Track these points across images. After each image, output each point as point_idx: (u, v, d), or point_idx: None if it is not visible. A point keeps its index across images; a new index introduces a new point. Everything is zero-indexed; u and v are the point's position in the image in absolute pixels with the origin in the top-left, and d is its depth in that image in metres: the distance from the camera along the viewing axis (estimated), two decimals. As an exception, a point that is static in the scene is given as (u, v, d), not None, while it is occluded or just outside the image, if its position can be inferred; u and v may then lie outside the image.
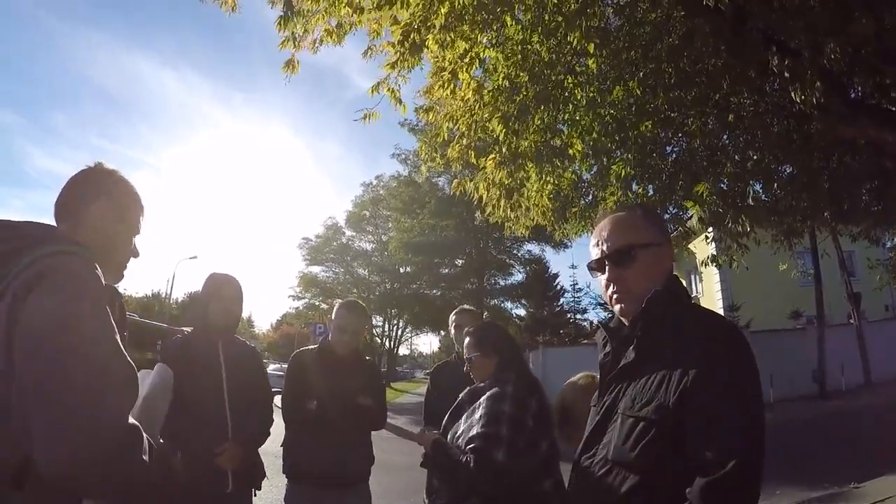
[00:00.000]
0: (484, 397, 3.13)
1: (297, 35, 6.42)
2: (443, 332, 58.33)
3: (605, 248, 2.05)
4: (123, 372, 1.66)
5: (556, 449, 3.15)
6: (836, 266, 21.31)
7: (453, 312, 4.89)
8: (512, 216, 9.31)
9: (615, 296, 2.01)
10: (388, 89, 6.86)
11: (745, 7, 5.51)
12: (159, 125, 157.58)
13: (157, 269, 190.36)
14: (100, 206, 1.97)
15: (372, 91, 6.91)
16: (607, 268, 2.03)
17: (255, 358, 4.34)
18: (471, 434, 2.98)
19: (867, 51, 5.59)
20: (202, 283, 4.07)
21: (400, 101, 6.94)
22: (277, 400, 5.22)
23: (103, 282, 1.75)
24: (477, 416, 3.07)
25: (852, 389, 20.53)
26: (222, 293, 3.99)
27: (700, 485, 1.58)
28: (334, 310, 4.56)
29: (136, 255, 2.15)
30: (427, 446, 3.20)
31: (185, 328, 4.22)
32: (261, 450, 3.99)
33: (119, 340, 1.69)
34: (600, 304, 42.07)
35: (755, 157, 7.97)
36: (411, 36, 6.30)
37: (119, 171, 2.10)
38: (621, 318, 2.05)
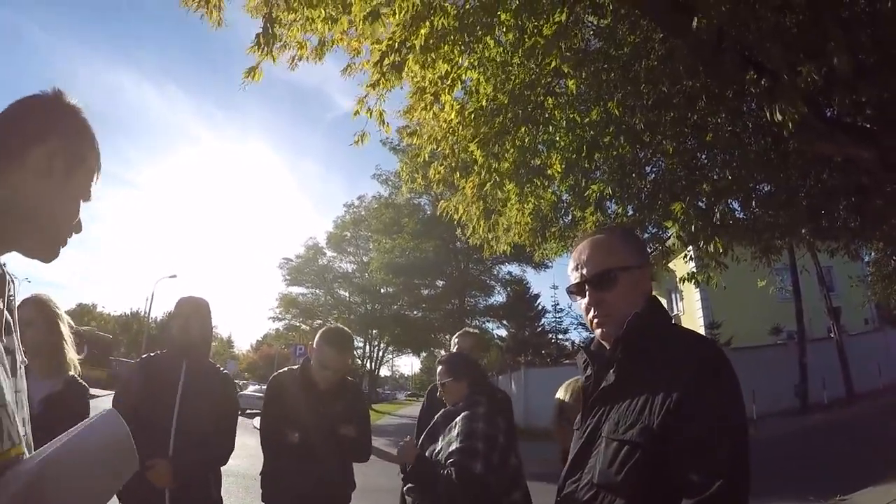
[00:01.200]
0: (459, 417, 3.40)
1: (272, 47, 6.38)
2: (424, 354, 58.23)
3: (584, 271, 2.04)
4: None
5: (521, 463, 3.53)
6: (814, 281, 21.51)
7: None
8: (490, 237, 9.32)
9: (596, 320, 2.00)
10: (368, 110, 6.87)
11: (723, 29, 5.58)
12: (140, 141, 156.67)
13: (136, 288, 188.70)
14: (39, 155, 1.39)
15: (354, 113, 6.92)
16: (587, 292, 2.02)
17: (225, 384, 4.24)
18: (450, 450, 3.25)
19: (841, 70, 5.67)
20: (176, 304, 4.09)
21: (384, 122, 6.96)
22: (258, 422, 5.15)
23: None
24: (454, 433, 3.33)
25: (834, 403, 20.67)
26: (191, 316, 3.99)
27: None
28: (316, 339, 4.29)
29: (77, 229, 1.51)
30: (409, 460, 3.36)
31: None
32: (237, 474, 3.94)
33: None
34: (581, 325, 42.28)
35: (733, 176, 8.04)
36: (391, 56, 6.33)
37: (81, 111, 1.53)
38: (602, 341, 2.04)
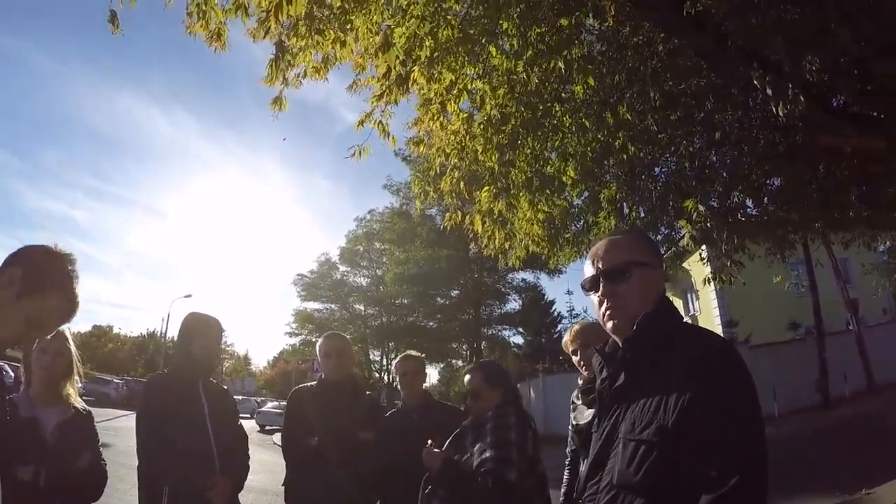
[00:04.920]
0: (489, 426, 3.43)
1: (286, 75, 6.48)
2: (441, 364, 58.18)
3: (600, 265, 2.06)
4: None
5: (545, 471, 3.55)
6: (830, 274, 21.37)
7: (398, 359, 4.92)
8: (507, 246, 9.32)
9: (608, 311, 2.02)
10: (376, 122, 6.91)
11: (724, 24, 5.60)
12: (150, 164, 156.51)
13: (152, 309, 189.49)
14: (8, 274, 1.93)
15: (358, 125, 6.95)
16: (601, 285, 2.04)
17: (231, 399, 4.34)
18: (483, 457, 3.28)
19: (846, 60, 5.68)
20: (181, 322, 4.07)
21: (388, 134, 6.99)
22: (277, 438, 5.18)
23: None
24: (487, 441, 3.34)
25: (855, 396, 20.46)
26: (205, 332, 4.00)
27: (705, 501, 1.59)
28: (317, 348, 4.63)
29: (25, 346, 2.11)
30: (434, 465, 3.41)
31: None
32: (257, 490, 3.99)
33: None
34: (597, 329, 41.99)
35: (743, 172, 8.03)
36: (396, 68, 6.38)
37: (57, 258, 2.07)
38: (616, 341, 2.06)
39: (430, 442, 3.60)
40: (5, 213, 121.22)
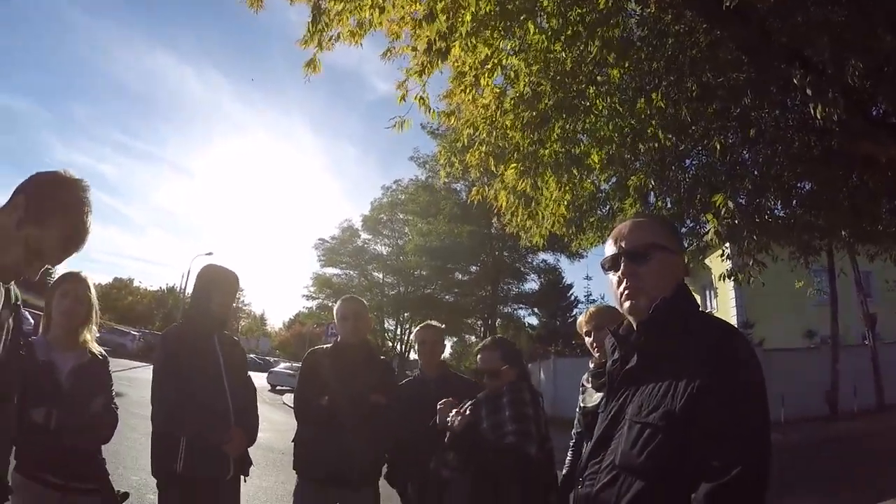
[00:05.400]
0: (506, 400, 3.53)
1: (322, 37, 6.46)
2: (454, 339, 58.41)
3: (622, 244, 2.05)
4: None
5: (552, 449, 3.65)
6: (852, 286, 21.10)
7: (418, 328, 4.93)
8: (530, 224, 9.28)
9: (626, 291, 2.00)
10: (416, 97, 6.91)
11: (768, 20, 5.50)
12: (178, 122, 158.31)
13: (174, 264, 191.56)
14: (14, 201, 1.89)
15: (400, 99, 6.99)
16: (622, 264, 2.03)
17: (243, 352, 4.37)
18: (505, 430, 3.39)
19: (890, 69, 5.56)
20: (198, 275, 4.07)
21: (429, 109, 6.99)
22: (289, 398, 5.23)
23: None
24: (506, 415, 3.45)
25: (864, 411, 20.26)
26: (221, 284, 4.00)
27: (705, 490, 1.59)
28: (334, 311, 4.65)
29: (29, 275, 1.94)
30: (460, 427, 3.46)
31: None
32: (264, 447, 4.02)
33: None
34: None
35: (775, 172, 7.92)
36: (437, 43, 6.34)
37: (64, 184, 1.98)
38: (631, 324, 2.06)
39: (448, 400, 3.67)
40: (34, 164, 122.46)
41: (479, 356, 3.87)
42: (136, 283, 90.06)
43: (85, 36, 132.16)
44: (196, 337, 3.85)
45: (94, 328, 3.68)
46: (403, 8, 6.58)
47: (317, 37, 6.43)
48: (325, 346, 4.75)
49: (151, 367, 3.90)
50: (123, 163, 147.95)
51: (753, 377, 1.74)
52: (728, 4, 5.04)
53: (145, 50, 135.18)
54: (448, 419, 3.54)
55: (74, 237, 1.97)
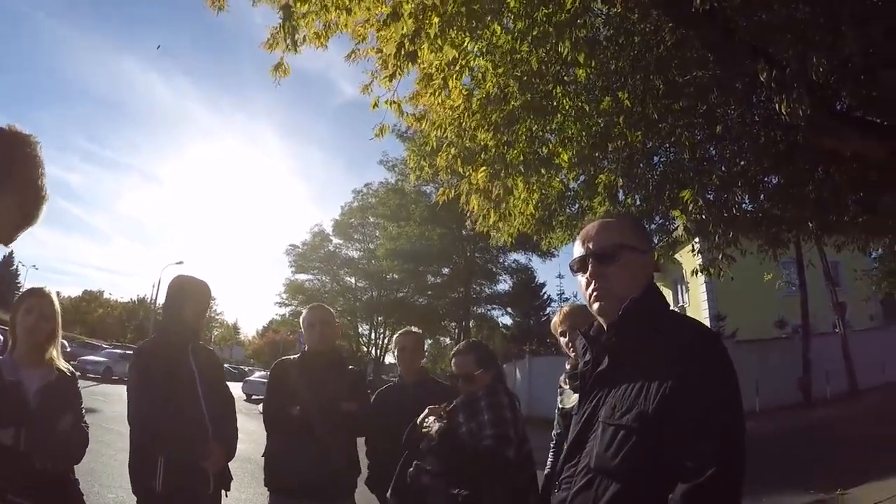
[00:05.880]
0: (483, 405, 3.50)
1: (293, 39, 6.40)
2: (429, 341, 58.39)
3: (590, 245, 2.04)
4: None
5: (531, 450, 3.65)
6: (820, 276, 21.44)
7: (398, 334, 4.91)
8: (501, 225, 9.29)
9: (595, 293, 1.99)
10: (388, 102, 6.90)
11: (734, 18, 5.54)
12: (146, 128, 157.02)
13: (143, 274, 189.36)
14: None
15: (373, 105, 7.03)
16: (590, 265, 2.02)
17: (219, 362, 4.34)
18: (483, 433, 3.37)
19: (853, 64, 5.63)
20: (168, 285, 4.03)
21: (402, 113, 6.97)
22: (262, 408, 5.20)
23: None
24: (484, 419, 3.43)
25: (837, 397, 20.62)
26: (192, 294, 3.96)
27: (681, 491, 1.59)
28: (301, 319, 4.62)
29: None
30: (438, 432, 3.42)
31: None
32: (241, 458, 3.97)
33: None
34: (585, 314, 42.35)
35: (741, 167, 7.99)
36: (406, 45, 6.31)
37: (13, 141, 1.55)
38: (601, 325, 2.04)
39: (434, 407, 3.62)
40: None
41: (453, 360, 3.82)
42: (106, 295, 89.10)
43: (49, 40, 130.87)
44: (170, 349, 3.80)
45: (58, 341, 3.58)
46: (369, 10, 6.54)
47: (288, 37, 6.36)
48: (293, 356, 4.69)
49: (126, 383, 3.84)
50: (90, 171, 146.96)
51: (726, 376, 1.74)
52: (697, 6, 5.06)
53: (111, 55, 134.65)
54: (426, 424, 3.51)
55: (31, 205, 1.59)
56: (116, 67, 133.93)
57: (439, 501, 3.39)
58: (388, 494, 3.78)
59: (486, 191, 8.41)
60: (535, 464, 3.65)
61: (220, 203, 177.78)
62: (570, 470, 1.94)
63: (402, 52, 6.32)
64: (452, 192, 8.97)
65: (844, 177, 7.63)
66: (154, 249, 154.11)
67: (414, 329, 4.90)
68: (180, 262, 51.94)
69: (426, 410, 3.60)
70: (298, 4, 6.30)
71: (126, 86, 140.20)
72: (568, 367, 4.13)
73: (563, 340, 4.07)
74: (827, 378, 20.85)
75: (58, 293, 3.67)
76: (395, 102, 6.91)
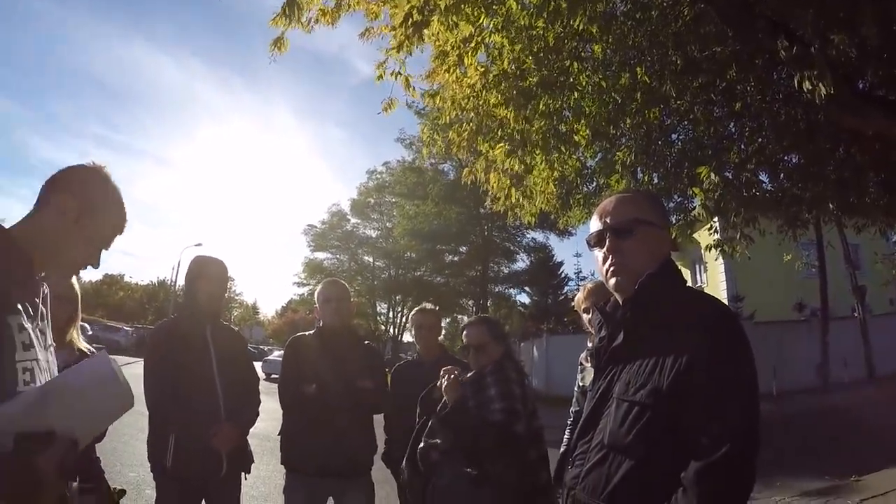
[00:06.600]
0: (490, 379, 3.48)
1: (300, 18, 6.33)
2: (447, 320, 58.55)
3: (607, 219, 2.03)
4: None
5: (542, 426, 3.63)
6: (840, 258, 21.19)
7: (414, 311, 4.90)
8: (524, 203, 9.21)
9: (612, 268, 1.99)
10: (394, 73, 6.82)
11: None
12: (159, 113, 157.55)
13: (163, 258, 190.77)
14: (59, 201, 1.96)
15: (377, 78, 6.89)
16: (607, 240, 2.01)
17: (242, 342, 4.36)
18: (492, 408, 3.35)
19: (872, 41, 5.51)
20: (187, 267, 4.06)
21: (411, 87, 6.90)
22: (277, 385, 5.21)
23: None
24: (492, 393, 3.42)
25: (855, 383, 20.39)
26: (210, 275, 3.98)
27: (694, 468, 1.58)
28: (316, 294, 4.61)
29: (93, 264, 2.12)
30: (455, 394, 3.45)
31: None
32: (260, 436, 3.98)
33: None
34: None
35: (761, 146, 7.89)
36: (415, 16, 6.22)
37: (105, 175, 2.12)
38: (617, 300, 2.03)
39: (444, 369, 3.61)
40: (17, 163, 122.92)
41: (464, 332, 3.80)
42: (126, 279, 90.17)
43: (59, 29, 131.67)
44: (187, 329, 3.83)
45: (78, 323, 3.62)
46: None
47: (295, 16, 6.28)
48: (308, 332, 4.66)
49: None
50: (105, 156, 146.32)
51: (742, 354, 1.73)
52: None
53: (122, 40, 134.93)
54: (440, 385, 3.53)
55: (121, 222, 2.16)
56: (126, 53, 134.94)
57: (448, 477, 3.39)
58: (402, 465, 3.77)
59: (505, 169, 8.34)
60: (545, 442, 3.62)
61: (237, 185, 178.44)
62: (584, 446, 1.95)
63: (410, 22, 6.22)
64: (477, 170, 8.91)
65: (866, 157, 7.50)
66: (173, 233, 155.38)
67: (430, 306, 4.89)
68: (199, 244, 52.30)
69: (441, 372, 3.59)
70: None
71: (136, 71, 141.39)
72: (590, 344, 4.12)
73: (585, 318, 4.07)
74: (845, 363, 20.62)
75: (78, 277, 3.69)
76: (399, 74, 6.82)
